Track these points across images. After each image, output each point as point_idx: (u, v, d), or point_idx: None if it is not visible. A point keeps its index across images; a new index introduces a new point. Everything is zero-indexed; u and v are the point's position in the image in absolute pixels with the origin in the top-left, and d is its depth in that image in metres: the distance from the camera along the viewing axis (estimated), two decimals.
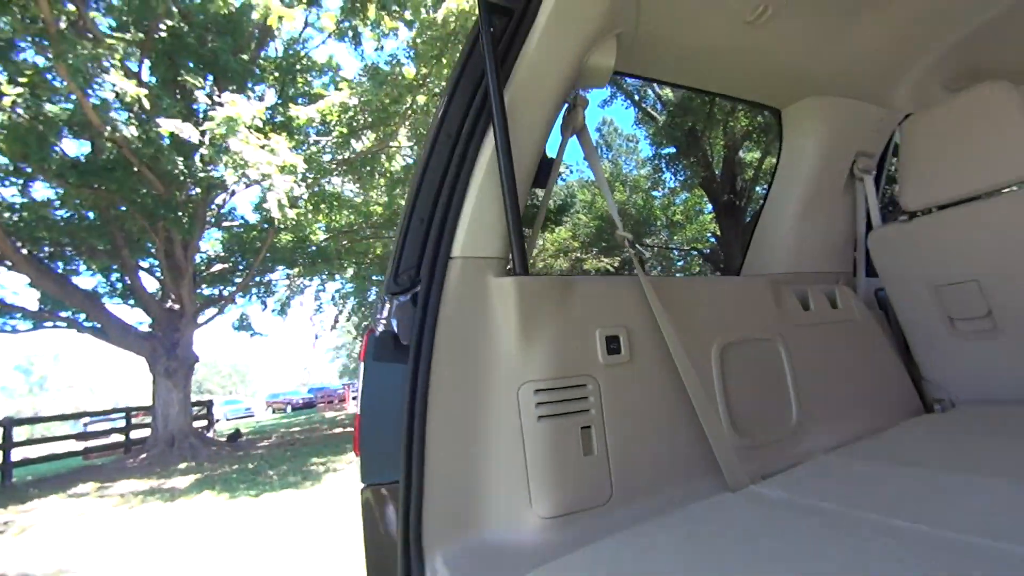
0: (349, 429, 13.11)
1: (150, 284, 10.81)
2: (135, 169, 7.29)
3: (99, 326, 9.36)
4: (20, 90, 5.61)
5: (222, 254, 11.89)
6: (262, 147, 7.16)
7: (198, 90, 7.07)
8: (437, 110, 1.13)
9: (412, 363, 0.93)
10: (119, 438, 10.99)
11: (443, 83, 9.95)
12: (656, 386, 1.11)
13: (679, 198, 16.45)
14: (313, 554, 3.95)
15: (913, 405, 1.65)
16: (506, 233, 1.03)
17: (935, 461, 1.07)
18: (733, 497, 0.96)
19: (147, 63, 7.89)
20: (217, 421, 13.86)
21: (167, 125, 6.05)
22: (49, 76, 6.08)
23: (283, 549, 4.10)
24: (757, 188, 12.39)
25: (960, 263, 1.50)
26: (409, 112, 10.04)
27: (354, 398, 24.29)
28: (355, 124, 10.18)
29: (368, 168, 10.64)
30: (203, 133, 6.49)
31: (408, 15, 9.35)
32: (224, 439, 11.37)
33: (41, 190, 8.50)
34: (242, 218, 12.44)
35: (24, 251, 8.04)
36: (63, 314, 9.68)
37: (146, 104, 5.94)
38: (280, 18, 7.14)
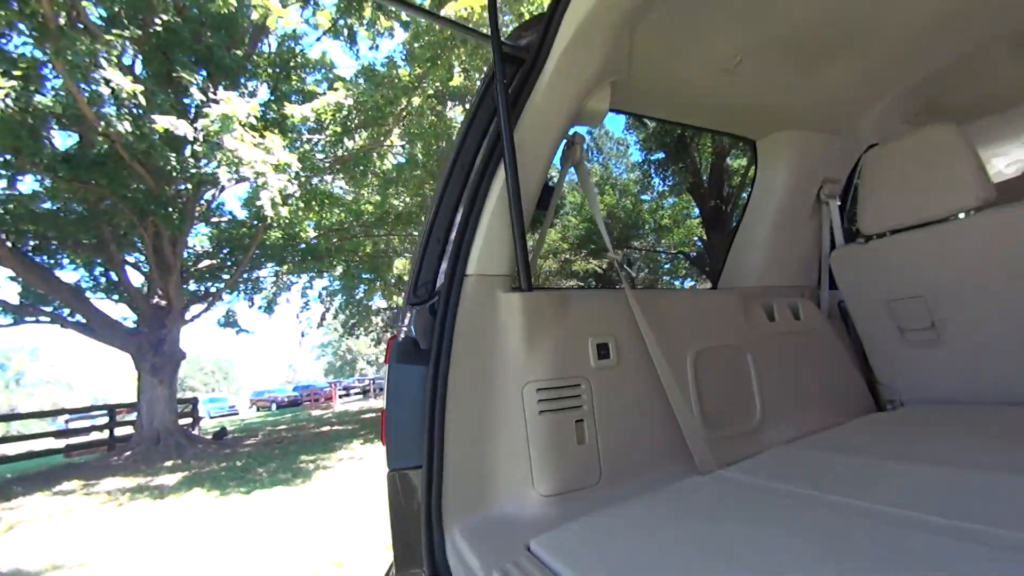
0: (337, 428, 13.12)
1: (135, 279, 10.77)
2: (126, 164, 7.29)
3: (84, 321, 9.29)
4: (13, 83, 5.60)
5: (210, 250, 11.85)
6: (257, 145, 7.22)
7: (192, 86, 7.09)
8: (455, 143, 1.29)
9: (433, 365, 1.09)
10: (101, 435, 10.89)
11: (437, 84, 10.07)
12: (639, 386, 1.29)
13: (667, 202, 16.76)
14: (314, 548, 4.04)
15: (868, 405, 1.86)
16: (513, 253, 1.19)
17: (879, 451, 1.26)
18: (702, 479, 1.14)
19: (140, 57, 7.88)
20: (201, 419, 13.75)
21: (162, 122, 6.08)
22: (44, 70, 6.07)
23: (282, 545, 4.17)
24: (743, 194, 12.72)
25: (909, 281, 1.70)
26: (404, 113, 10.13)
27: (341, 396, 24.16)
28: (349, 123, 10.25)
29: (361, 167, 10.69)
30: (197, 130, 6.53)
31: (404, 16, 9.46)
32: (210, 437, 11.33)
33: (28, 182, 8.45)
34: (230, 213, 12.42)
35: (9, 244, 7.97)
36: (47, 309, 9.59)
37: (142, 100, 5.97)
38: (279, 18, 7.19)
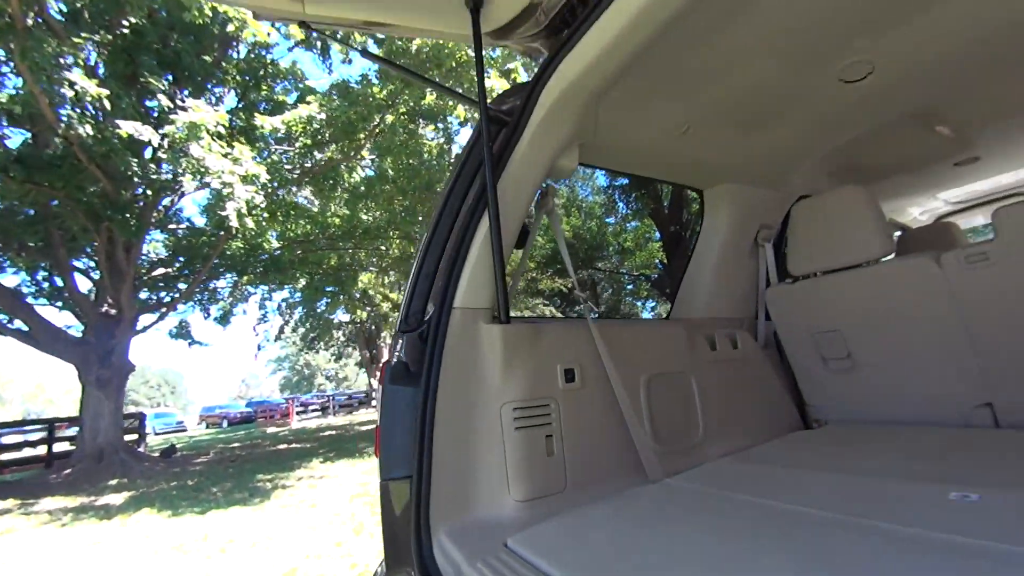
0: (295, 446, 12.72)
1: (83, 285, 10.23)
2: (83, 166, 7.03)
3: (26, 329, 8.75)
4: None
5: (165, 257, 11.42)
6: (225, 155, 7.15)
7: (160, 92, 6.97)
8: (443, 189, 1.47)
9: (423, 387, 1.25)
10: (35, 452, 10.16)
11: (411, 103, 10.25)
12: (600, 406, 1.49)
13: (630, 225, 17.43)
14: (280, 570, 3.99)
15: (796, 424, 2.13)
16: (494, 289, 1.37)
17: (805, 463, 1.50)
18: (652, 487, 1.34)
19: (103, 59, 7.68)
20: (147, 435, 13.03)
21: (126, 127, 5.96)
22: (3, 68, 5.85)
23: (244, 569, 4.10)
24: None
25: (828, 317, 1.99)
26: (376, 130, 10.23)
27: (298, 413, 23.29)
28: (320, 137, 10.25)
29: (331, 181, 10.66)
30: (163, 137, 6.42)
31: (379, 35, 9.63)
32: (157, 454, 10.77)
33: None
34: (188, 221, 12.04)
35: None
36: None
37: (107, 104, 5.83)
38: (254, 33, 7.21)
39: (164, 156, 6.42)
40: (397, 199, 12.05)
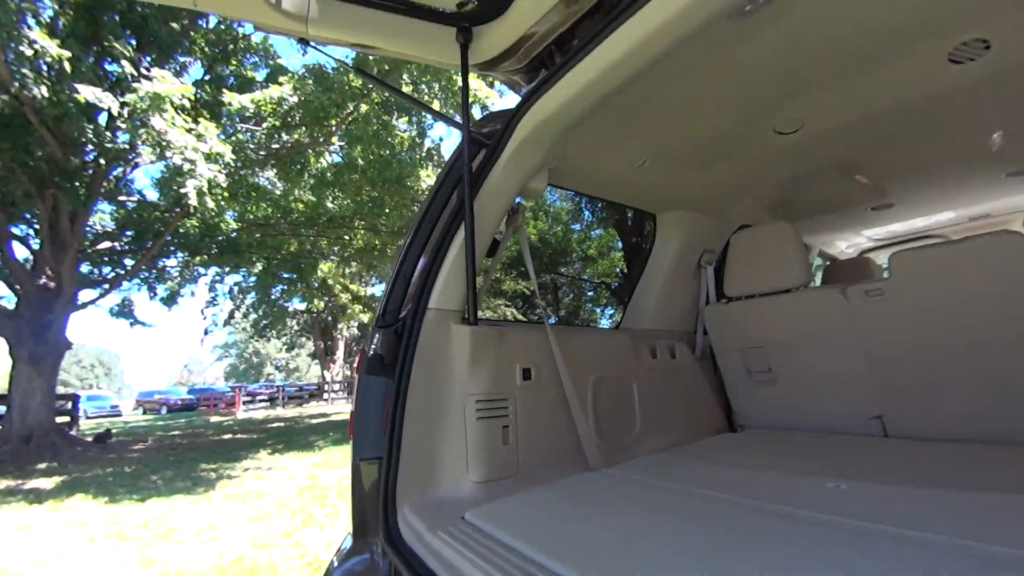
0: (241, 436, 12.32)
1: (19, 254, 9.53)
2: (33, 129, 6.62)
3: None
4: None
5: (112, 230, 10.81)
6: (189, 131, 6.91)
7: (123, 58, 6.65)
8: (424, 202, 1.62)
9: (396, 378, 1.40)
10: None
11: (386, 94, 10.19)
12: (551, 402, 1.68)
13: (595, 233, 17.92)
14: (231, 557, 3.95)
15: (723, 427, 2.40)
16: (465, 294, 1.54)
17: (727, 459, 1.74)
18: (593, 475, 1.54)
19: (65, 18, 7.24)
20: (79, 418, 12.28)
21: (85, 93, 5.67)
22: None
23: (191, 557, 4.04)
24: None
25: (755, 335, 2.27)
26: (349, 117, 10.12)
27: (245, 402, 22.41)
28: (290, 119, 10.03)
29: (299, 165, 10.44)
30: (123, 105, 6.15)
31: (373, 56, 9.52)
32: (91, 439, 10.20)
33: None
34: (139, 193, 11.44)
35: None
36: None
37: (67, 67, 5.54)
38: None
39: (123, 125, 6.13)
40: (365, 189, 11.92)
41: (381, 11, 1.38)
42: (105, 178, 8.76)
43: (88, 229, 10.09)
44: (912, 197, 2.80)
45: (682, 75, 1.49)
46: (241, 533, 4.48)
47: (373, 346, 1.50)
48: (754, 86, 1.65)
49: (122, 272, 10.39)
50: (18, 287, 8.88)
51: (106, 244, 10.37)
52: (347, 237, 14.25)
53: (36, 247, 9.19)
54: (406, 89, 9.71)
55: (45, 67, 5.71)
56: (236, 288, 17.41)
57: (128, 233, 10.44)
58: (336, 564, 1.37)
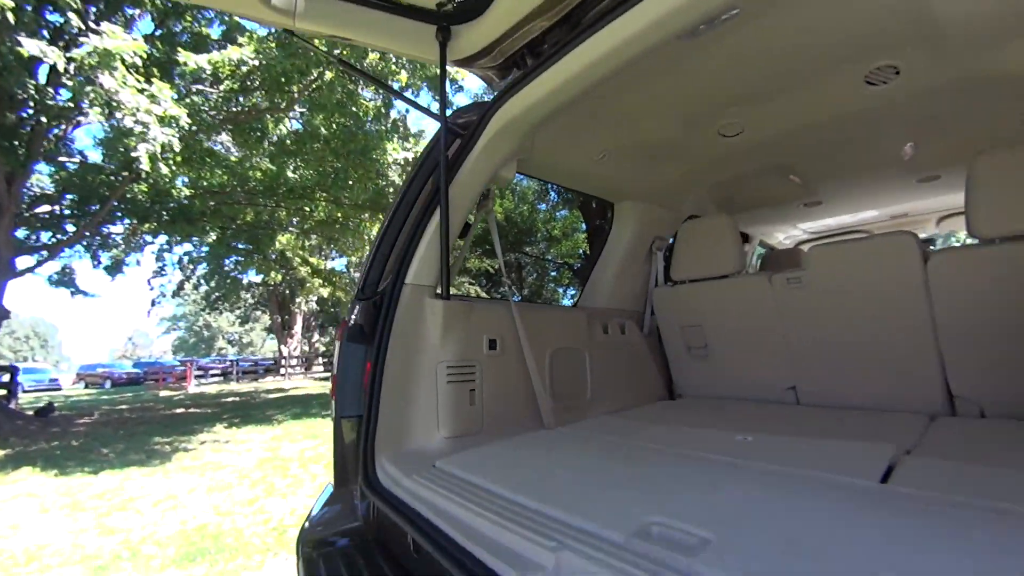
0: (195, 411, 12.02)
1: None
2: None
3: None
4: None
5: (51, 193, 10.09)
6: (141, 91, 6.54)
7: (70, 10, 6.17)
8: (403, 186, 1.75)
9: (376, 346, 1.56)
10: None
11: (353, 60, 9.88)
12: (513, 370, 1.89)
13: (560, 213, 18.19)
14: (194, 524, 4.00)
15: (664, 395, 2.70)
16: (439, 271, 1.70)
17: (666, 420, 2.00)
18: (548, 432, 1.77)
19: None
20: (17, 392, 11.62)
21: (30, 45, 5.27)
22: None
23: (150, 527, 4.06)
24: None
25: (694, 315, 2.55)
26: (314, 85, 9.78)
27: (198, 377, 21.64)
28: (249, 83, 9.59)
29: (258, 132, 10.03)
30: (69, 61, 5.75)
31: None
32: (31, 413, 9.73)
33: None
34: (81, 153, 10.69)
35: None
36: None
37: (9, 17, 5.11)
38: None
39: (69, 83, 5.74)
40: (329, 160, 11.61)
41: (365, 7, 1.48)
42: (44, 137, 8.15)
43: (25, 192, 9.39)
44: (839, 196, 3.15)
45: (638, 83, 1.68)
46: (202, 502, 4.52)
47: (354, 317, 1.65)
48: (701, 95, 1.87)
49: (63, 238, 9.77)
50: None
51: (45, 208, 9.69)
52: (308, 208, 13.85)
53: None
54: (371, 58, 9.48)
55: None
56: (186, 258, 16.61)
57: (68, 196, 9.78)
58: (319, 506, 1.54)
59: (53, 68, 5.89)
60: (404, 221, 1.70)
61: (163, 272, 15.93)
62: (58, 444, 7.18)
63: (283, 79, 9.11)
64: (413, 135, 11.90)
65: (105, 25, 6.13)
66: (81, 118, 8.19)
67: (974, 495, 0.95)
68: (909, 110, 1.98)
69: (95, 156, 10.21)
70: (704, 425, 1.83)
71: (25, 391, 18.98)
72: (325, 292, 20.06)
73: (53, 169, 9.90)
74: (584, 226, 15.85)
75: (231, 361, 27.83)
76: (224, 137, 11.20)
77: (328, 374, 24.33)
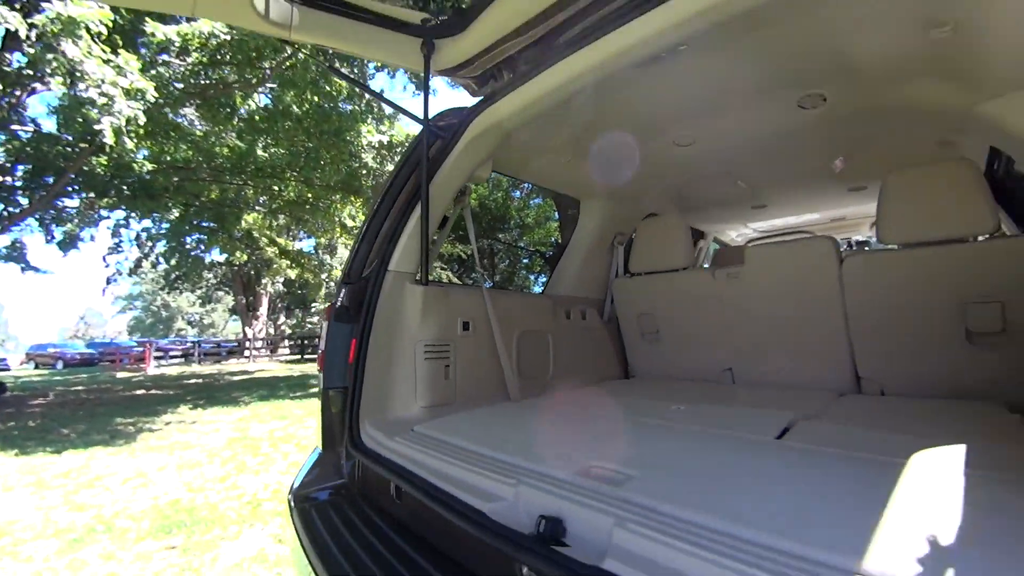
0: (156, 392, 11.76)
1: None
2: None
3: None
4: None
5: (2, 163, 9.56)
6: (106, 62, 6.32)
7: None
8: (386, 182, 1.93)
9: (361, 325, 1.75)
10: None
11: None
12: (484, 349, 2.12)
13: (534, 202, 18.40)
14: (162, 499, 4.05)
15: (620, 375, 2.99)
16: (419, 260, 1.89)
17: (619, 394, 2.27)
18: (513, 404, 2.01)
19: None
20: None
21: None
22: None
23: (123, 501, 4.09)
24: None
25: (647, 303, 2.83)
26: (288, 62, 9.57)
27: (157, 358, 20.94)
28: (219, 57, 9.30)
29: (228, 109, 9.77)
30: (31, 27, 5.50)
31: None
32: None
33: None
34: (33, 121, 10.13)
35: None
36: None
37: None
38: None
39: (31, 50, 5.49)
40: (301, 140, 11.40)
41: (356, 21, 1.64)
42: None
43: None
44: (781, 201, 3.49)
45: (601, 98, 1.90)
46: (172, 480, 4.56)
47: (340, 299, 1.83)
48: (657, 111, 2.11)
49: (16, 211, 9.32)
50: None
51: None
52: (277, 188, 13.56)
53: None
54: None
55: None
56: (144, 235, 15.91)
57: (20, 167, 9.31)
58: (307, 467, 1.73)
59: (9, 33, 5.61)
60: (388, 213, 1.88)
61: (119, 249, 15.24)
62: (14, 424, 7.00)
63: (254, 54, 8.90)
64: (388, 117, 11.79)
65: None
66: (37, 85, 7.81)
67: (848, 448, 1.24)
68: (835, 131, 2.28)
69: (49, 125, 9.73)
70: (647, 397, 2.11)
71: None
72: (292, 273, 19.69)
73: (5, 138, 9.39)
74: (557, 215, 16.16)
75: (192, 342, 27.01)
76: (190, 111, 10.82)
77: (295, 357, 23.99)
